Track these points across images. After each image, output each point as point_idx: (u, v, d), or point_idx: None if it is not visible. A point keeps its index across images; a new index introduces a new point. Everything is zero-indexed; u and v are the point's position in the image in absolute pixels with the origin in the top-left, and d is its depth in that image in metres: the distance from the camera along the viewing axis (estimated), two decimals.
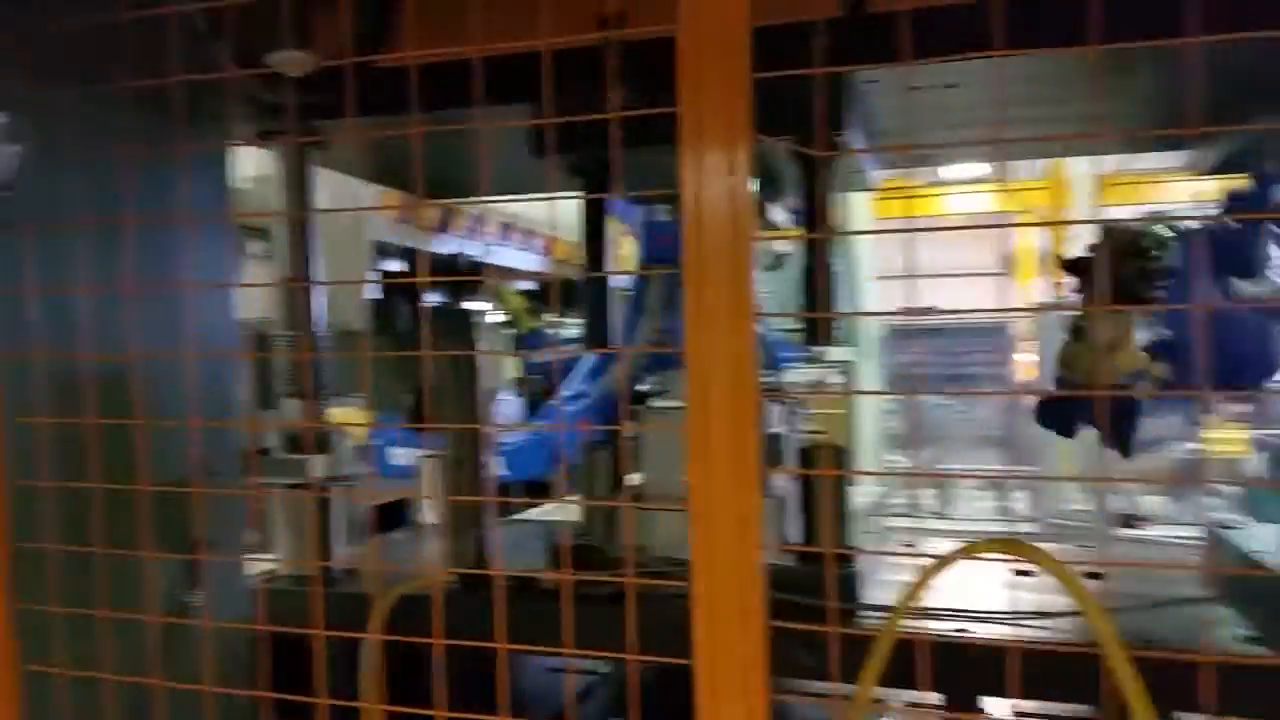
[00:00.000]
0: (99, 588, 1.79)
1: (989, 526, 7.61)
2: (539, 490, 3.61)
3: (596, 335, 3.13)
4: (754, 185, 2.80)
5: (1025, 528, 7.38)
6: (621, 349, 3.04)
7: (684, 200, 1.47)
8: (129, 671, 1.81)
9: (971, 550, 1.31)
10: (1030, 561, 1.28)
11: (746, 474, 1.43)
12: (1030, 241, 15.62)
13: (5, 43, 1.77)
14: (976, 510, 8.28)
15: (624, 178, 2.59)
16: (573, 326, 6.12)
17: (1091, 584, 2.47)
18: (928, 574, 1.37)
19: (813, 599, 1.65)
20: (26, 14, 1.79)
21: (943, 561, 1.33)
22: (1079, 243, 2.51)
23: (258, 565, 2.54)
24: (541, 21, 1.59)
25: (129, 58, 1.73)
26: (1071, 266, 2.43)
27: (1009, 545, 1.29)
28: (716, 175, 1.47)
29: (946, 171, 10.99)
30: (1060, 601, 2.16)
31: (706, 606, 1.44)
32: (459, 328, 2.78)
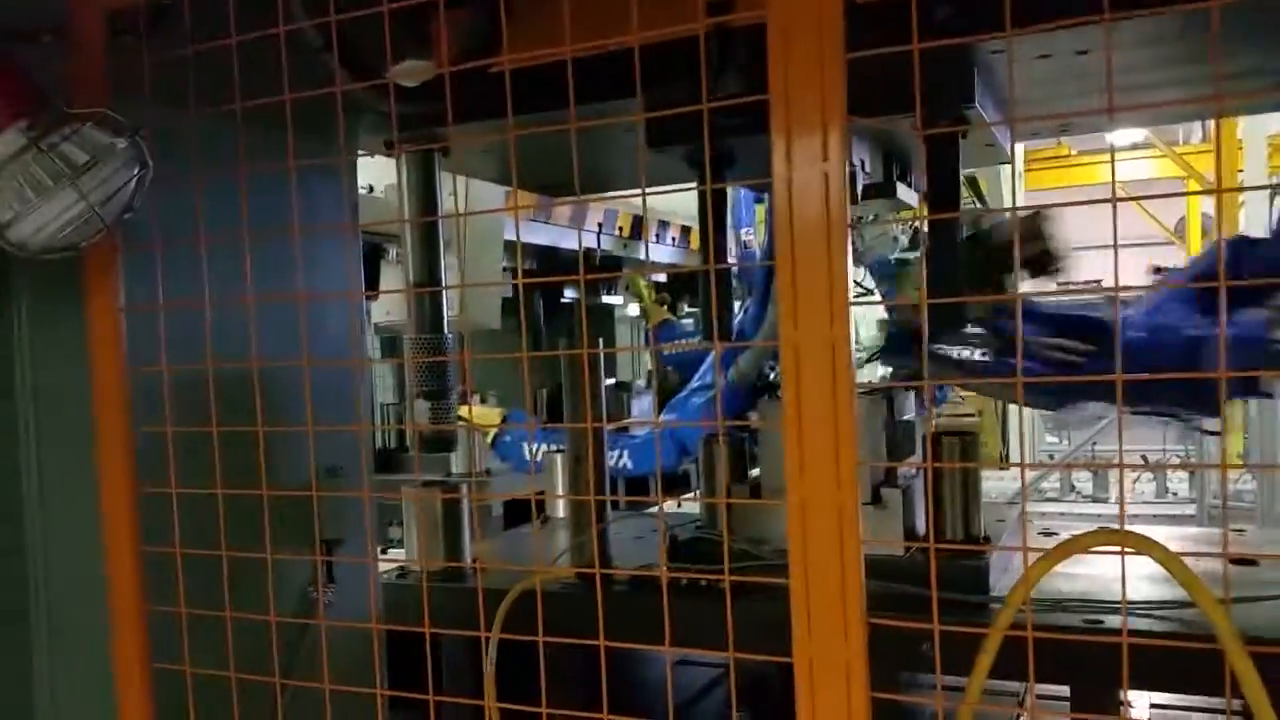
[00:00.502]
0: (229, 587, 1.86)
1: (1145, 509, 7.23)
2: (665, 483, 3.63)
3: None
4: (880, 165, 2.75)
5: (1186, 510, 6.99)
6: (733, 343, 3.02)
7: (775, 187, 1.45)
8: (263, 669, 1.88)
9: (1076, 544, 1.24)
10: (1139, 552, 1.21)
11: (843, 466, 1.40)
12: (1200, 209, 14.69)
13: (125, 68, 1.87)
14: (1134, 493, 7.88)
15: (745, 166, 2.56)
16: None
17: (1241, 570, 2.32)
18: (1035, 569, 1.31)
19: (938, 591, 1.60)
20: (146, 39, 1.89)
21: (1049, 556, 1.27)
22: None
23: (392, 562, 2.63)
24: (648, 15, 1.58)
25: (250, 76, 1.81)
26: None
27: (1116, 535, 1.22)
28: (809, 161, 1.43)
29: (1110, 138, 10.46)
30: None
31: (803, 601, 1.42)
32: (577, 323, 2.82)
